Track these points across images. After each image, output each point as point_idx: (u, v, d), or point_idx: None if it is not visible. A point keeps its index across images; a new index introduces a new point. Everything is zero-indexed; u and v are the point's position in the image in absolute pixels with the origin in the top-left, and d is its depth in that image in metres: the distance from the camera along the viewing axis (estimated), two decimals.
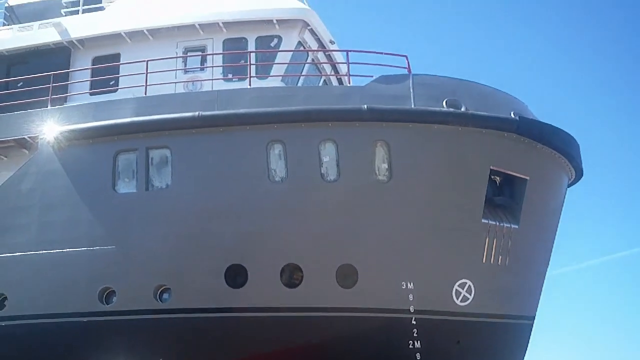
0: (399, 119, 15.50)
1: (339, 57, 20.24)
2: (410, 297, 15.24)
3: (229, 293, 14.98)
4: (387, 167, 15.40)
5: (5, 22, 21.45)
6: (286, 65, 18.34)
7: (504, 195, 16.60)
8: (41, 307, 15.53)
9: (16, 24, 20.83)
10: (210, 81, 17.85)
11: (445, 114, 15.65)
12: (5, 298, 15.84)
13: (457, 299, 15.75)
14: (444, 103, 15.79)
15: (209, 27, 18.66)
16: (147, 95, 16.86)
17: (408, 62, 16.93)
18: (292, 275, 15.18)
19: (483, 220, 15.89)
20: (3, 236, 16.28)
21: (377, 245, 15.28)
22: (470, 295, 15.81)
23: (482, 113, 15.79)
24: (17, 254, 15.95)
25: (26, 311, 15.65)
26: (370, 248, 15.26)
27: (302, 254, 15.17)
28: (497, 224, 16.16)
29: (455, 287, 15.72)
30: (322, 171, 15.36)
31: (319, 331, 15.16)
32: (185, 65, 18.78)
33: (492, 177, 16.25)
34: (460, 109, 15.73)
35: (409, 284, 15.27)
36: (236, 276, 15.01)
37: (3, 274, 15.98)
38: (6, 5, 22.04)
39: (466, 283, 15.79)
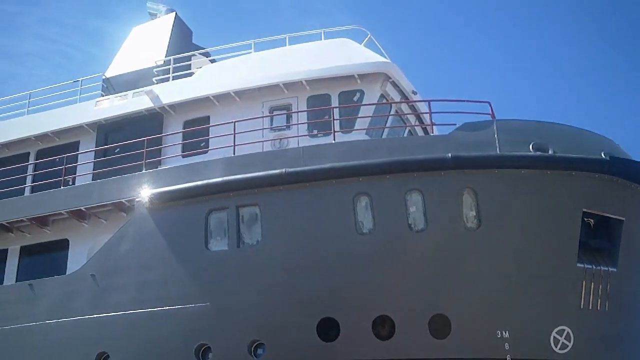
0: (485, 165, 15.39)
1: (422, 107, 20.31)
2: (506, 345, 14.87)
3: (322, 347, 15.01)
4: (475, 214, 15.26)
5: (103, 92, 22.57)
6: (369, 118, 18.52)
7: (599, 237, 16.06)
8: None
9: (112, 94, 21.91)
10: (296, 138, 18.20)
11: (532, 158, 15.44)
12: (108, 356, 16.39)
13: (556, 346, 15.25)
14: (531, 147, 15.59)
15: (293, 86, 19.12)
16: (236, 154, 17.36)
17: (491, 108, 16.88)
18: (384, 327, 15.10)
19: (578, 265, 15.43)
20: (104, 296, 16.93)
21: (470, 294, 15.06)
22: (570, 342, 15.29)
23: (571, 155, 15.50)
24: (118, 313, 16.54)
25: None
26: (462, 297, 15.06)
27: (394, 305, 15.11)
28: (594, 267, 15.66)
29: (553, 334, 15.25)
30: (410, 221, 15.36)
31: None
32: (272, 123, 19.23)
33: (586, 219, 15.79)
34: (548, 152, 15.49)
35: (504, 333, 14.93)
36: (328, 330, 15.05)
37: (105, 332, 16.57)
38: (104, 77, 23.23)
39: (564, 330, 15.29)
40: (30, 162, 21.88)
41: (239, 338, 15.50)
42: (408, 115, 20.75)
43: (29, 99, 23.31)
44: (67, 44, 73.76)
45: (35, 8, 72.59)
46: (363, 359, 14.98)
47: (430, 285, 15.11)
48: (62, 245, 19.03)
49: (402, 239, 15.36)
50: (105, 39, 69.83)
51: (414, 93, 20.29)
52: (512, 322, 14.98)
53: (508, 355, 14.85)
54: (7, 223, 19.29)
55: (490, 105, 16.93)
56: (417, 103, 20.44)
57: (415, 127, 21.08)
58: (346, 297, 15.26)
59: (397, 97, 19.70)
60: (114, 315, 16.60)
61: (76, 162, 20.63)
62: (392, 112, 19.74)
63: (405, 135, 20.45)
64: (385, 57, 19.44)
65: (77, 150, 21.09)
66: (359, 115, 18.54)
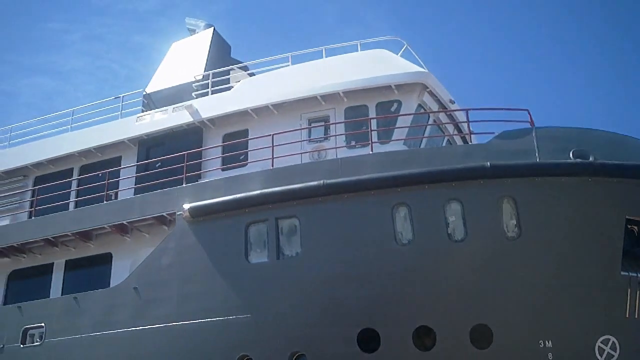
0: (524, 173, 15.28)
1: (461, 116, 20.23)
2: (550, 355, 14.69)
3: (363, 358, 15.00)
4: (515, 223, 15.14)
5: (143, 108, 22.92)
6: (407, 128, 18.50)
7: None
8: None
9: (153, 109, 22.24)
10: (334, 149, 18.26)
11: (573, 165, 15.28)
12: None
13: (601, 356, 15.01)
14: (571, 154, 15.43)
15: (330, 98, 19.19)
16: (274, 167, 17.50)
17: (530, 116, 16.78)
18: (425, 338, 15.04)
19: (622, 273, 15.19)
20: (147, 309, 17.16)
21: (511, 303, 14.93)
22: (615, 352, 15.03)
23: (612, 162, 15.29)
24: (160, 325, 16.75)
25: None
26: (504, 307, 14.93)
27: (434, 315, 15.04)
28: (639, 275, 15.40)
29: (598, 344, 15.00)
30: (449, 231, 15.30)
31: None
32: (310, 135, 19.31)
33: (629, 226, 15.57)
34: (588, 159, 15.31)
35: (547, 342, 14.75)
36: (369, 341, 15.04)
37: (148, 345, 16.78)
38: (144, 93, 23.60)
39: (609, 339, 15.05)
40: (74, 178, 22.29)
41: (280, 349, 15.57)
42: (446, 125, 20.68)
43: (72, 115, 23.76)
44: (111, 60, 75.06)
45: (79, 25, 74.09)
46: None
47: (471, 295, 15.01)
48: (105, 259, 19.35)
49: (441, 249, 15.31)
50: (148, 53, 70.77)
51: (452, 102, 20.23)
52: (555, 332, 14.79)
53: None
54: (52, 238, 19.67)
55: (529, 113, 16.83)
56: (455, 112, 20.36)
57: (454, 136, 20.99)
58: (386, 308, 15.25)
59: (434, 107, 19.66)
60: (156, 327, 16.81)
61: (118, 177, 20.97)
62: (430, 121, 19.69)
63: (443, 144, 20.39)
64: (423, 67, 19.42)
65: (119, 165, 21.43)
66: (397, 126, 18.53)
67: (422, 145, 19.05)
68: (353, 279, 15.52)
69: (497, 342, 14.66)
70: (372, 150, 17.19)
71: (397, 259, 15.46)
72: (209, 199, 17.27)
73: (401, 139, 18.34)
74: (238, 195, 16.91)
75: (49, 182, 21.91)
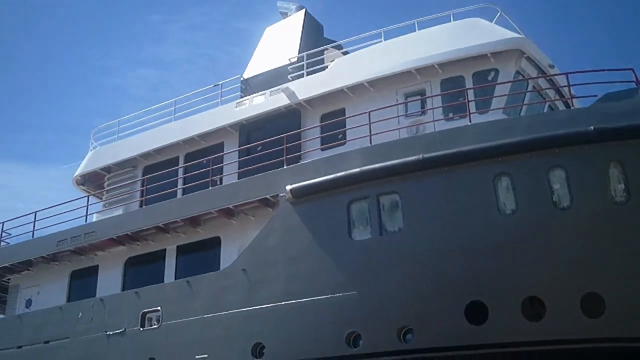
0: (631, 136, 14.67)
1: (561, 80, 19.62)
2: None
3: (471, 330, 14.94)
4: (623, 187, 14.62)
5: (242, 94, 23.37)
6: (506, 97, 18.13)
7: None
8: (295, 354, 16.52)
9: (251, 94, 22.65)
10: (432, 123, 18.11)
11: None
12: (263, 347, 17.07)
13: None
14: None
15: (425, 71, 19.02)
16: (373, 144, 17.54)
17: (635, 75, 16.08)
18: (534, 309, 14.81)
19: None
20: (256, 290, 17.64)
21: (623, 269, 14.47)
22: None
23: None
24: (270, 305, 17.19)
25: (281, 358, 16.76)
26: (615, 273, 14.49)
27: (543, 285, 14.79)
28: None
29: None
30: (554, 199, 14.97)
31: None
32: (407, 110, 19.22)
33: None
34: None
35: None
36: (476, 313, 14.95)
37: (258, 324, 17.27)
38: (242, 79, 24.05)
39: None
40: (180, 166, 23.04)
41: (387, 325, 15.70)
42: (546, 90, 20.12)
43: (175, 105, 24.50)
44: (213, 47, 76.73)
45: (179, 16, 76.03)
46: (513, 341, 14.78)
47: (580, 263, 14.65)
48: (214, 243, 19.97)
49: (546, 217, 15.00)
50: (247, 38, 71.98)
51: (551, 67, 19.64)
52: None
53: None
54: (163, 225, 20.44)
55: (633, 72, 16.14)
56: (555, 77, 19.77)
57: (555, 102, 20.41)
58: (493, 280, 15.10)
59: (533, 73, 19.16)
60: (266, 307, 17.26)
61: (222, 162, 21.53)
62: (529, 88, 19.22)
63: (545, 110, 19.86)
64: (519, 33, 18.95)
65: (222, 151, 21.99)
66: (495, 95, 18.19)
67: (522, 113, 18.64)
68: (457, 251, 15.45)
69: (609, 310, 14.27)
70: (470, 121, 16.95)
71: (501, 229, 15.27)
72: (310, 179, 17.51)
73: (500, 108, 17.99)
74: (338, 174, 17.08)
75: (157, 172, 22.74)
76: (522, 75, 18.84)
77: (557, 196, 14.97)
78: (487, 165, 15.49)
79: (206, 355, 17.89)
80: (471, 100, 17.70)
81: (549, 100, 20.15)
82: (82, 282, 22.56)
